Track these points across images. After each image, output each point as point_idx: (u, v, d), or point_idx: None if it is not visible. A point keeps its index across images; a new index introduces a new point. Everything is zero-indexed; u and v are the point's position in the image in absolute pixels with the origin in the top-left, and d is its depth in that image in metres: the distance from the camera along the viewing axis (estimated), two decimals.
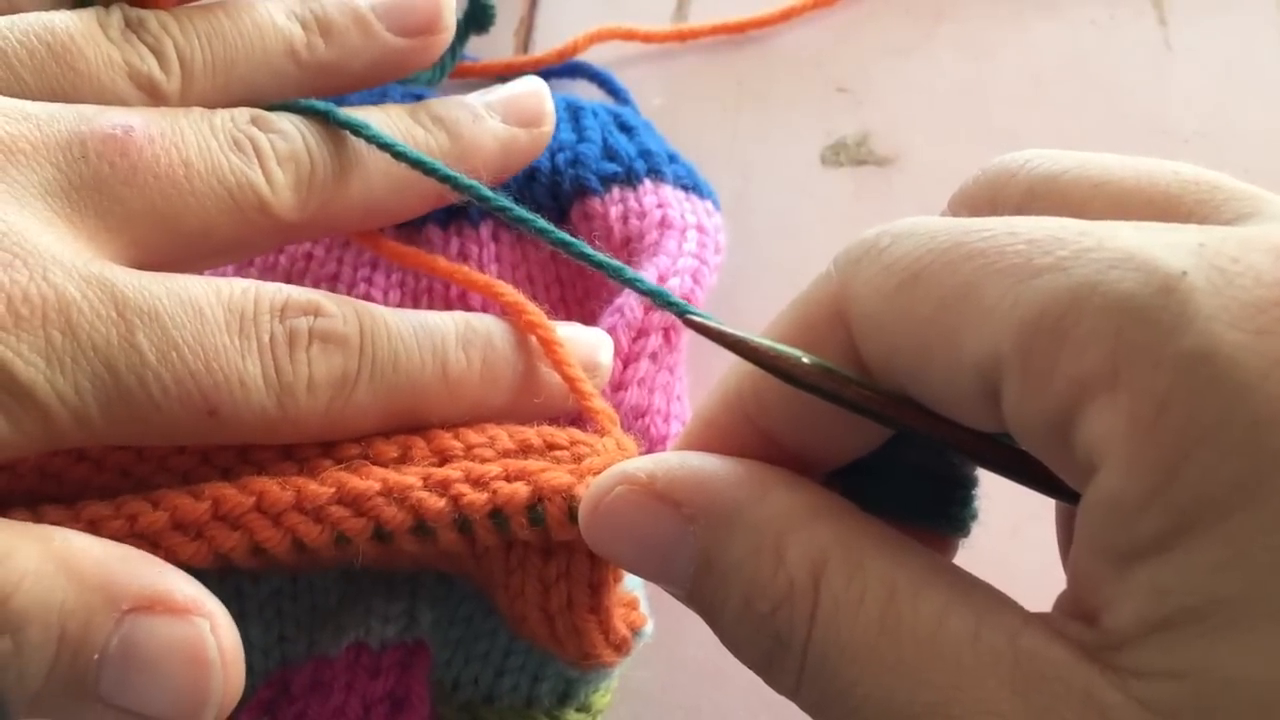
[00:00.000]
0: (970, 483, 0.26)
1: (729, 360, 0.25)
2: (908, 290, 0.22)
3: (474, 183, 0.32)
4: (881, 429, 0.24)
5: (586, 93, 0.49)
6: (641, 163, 0.42)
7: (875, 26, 0.52)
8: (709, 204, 0.42)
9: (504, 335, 0.32)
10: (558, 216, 0.41)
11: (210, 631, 0.25)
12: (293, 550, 0.27)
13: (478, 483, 0.28)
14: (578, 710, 0.33)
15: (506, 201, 0.31)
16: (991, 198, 0.25)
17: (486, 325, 0.32)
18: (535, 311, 0.32)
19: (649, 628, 0.32)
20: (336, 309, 0.29)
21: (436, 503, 0.27)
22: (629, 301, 0.38)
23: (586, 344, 0.33)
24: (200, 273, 0.31)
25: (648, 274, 0.38)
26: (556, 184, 0.42)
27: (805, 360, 0.23)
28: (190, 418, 0.27)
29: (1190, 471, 0.18)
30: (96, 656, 0.24)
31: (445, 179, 0.32)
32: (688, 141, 0.46)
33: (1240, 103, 0.49)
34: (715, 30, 0.51)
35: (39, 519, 0.27)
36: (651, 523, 0.24)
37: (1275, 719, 0.18)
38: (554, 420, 0.32)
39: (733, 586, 0.23)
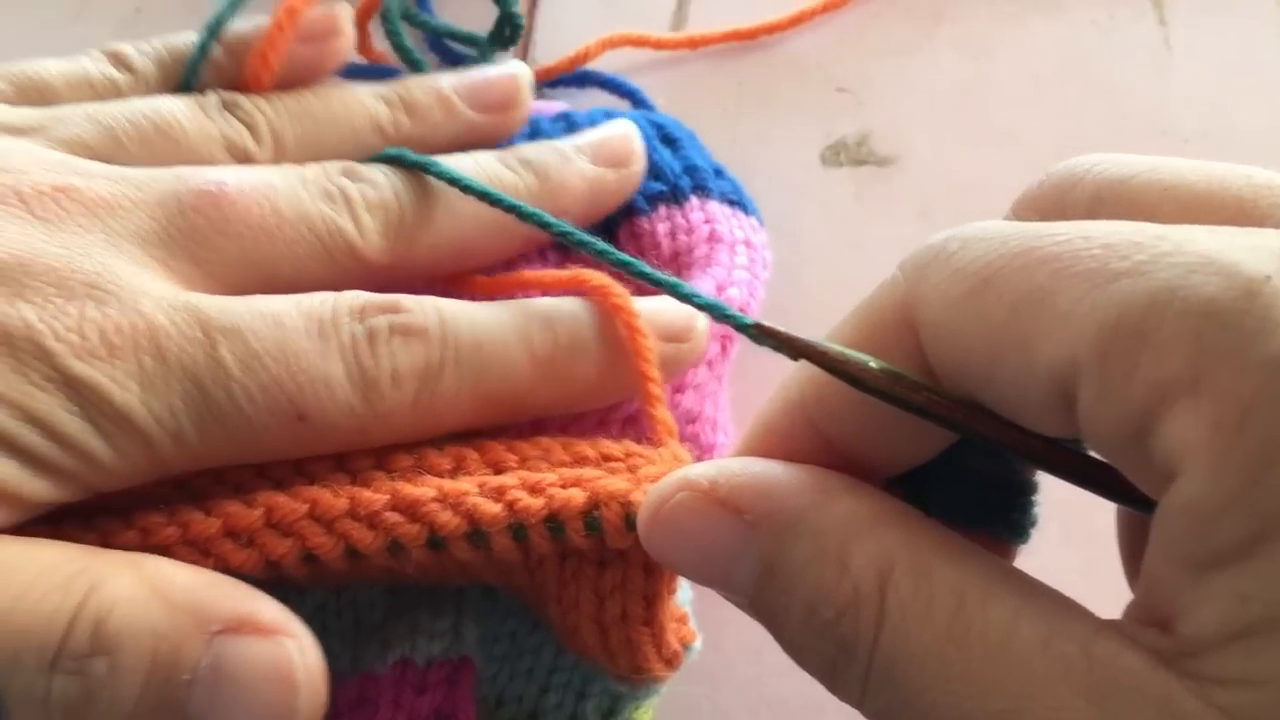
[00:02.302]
0: (1030, 489, 0.25)
1: (765, 371, 0.24)
2: (979, 295, 0.21)
3: (562, 222, 0.33)
4: (944, 435, 0.24)
5: (598, 99, 0.49)
6: (687, 179, 0.42)
7: (875, 27, 0.52)
8: (754, 220, 0.42)
9: (588, 313, 0.32)
10: (606, 236, 0.41)
11: (297, 651, 0.26)
12: (345, 558, 0.27)
13: (534, 489, 0.27)
14: None
15: (599, 243, 0.32)
16: (1058, 201, 0.25)
17: (570, 305, 0.32)
18: (622, 293, 0.32)
19: (698, 644, 0.32)
20: (414, 304, 0.30)
21: (492, 508, 0.27)
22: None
23: (679, 313, 0.33)
24: None
25: (703, 286, 0.37)
26: None
27: (874, 365, 0.23)
28: (280, 425, 0.28)
29: (1274, 477, 0.18)
30: (187, 678, 0.25)
31: (531, 219, 0.33)
32: None
33: (1240, 103, 0.49)
34: (726, 37, 0.51)
35: (91, 528, 0.27)
36: (713, 529, 0.24)
37: None
38: (611, 429, 0.32)
39: (796, 594, 0.22)
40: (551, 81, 0.49)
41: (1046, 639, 0.20)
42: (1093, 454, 0.22)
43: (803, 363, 0.24)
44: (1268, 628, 0.18)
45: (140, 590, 0.25)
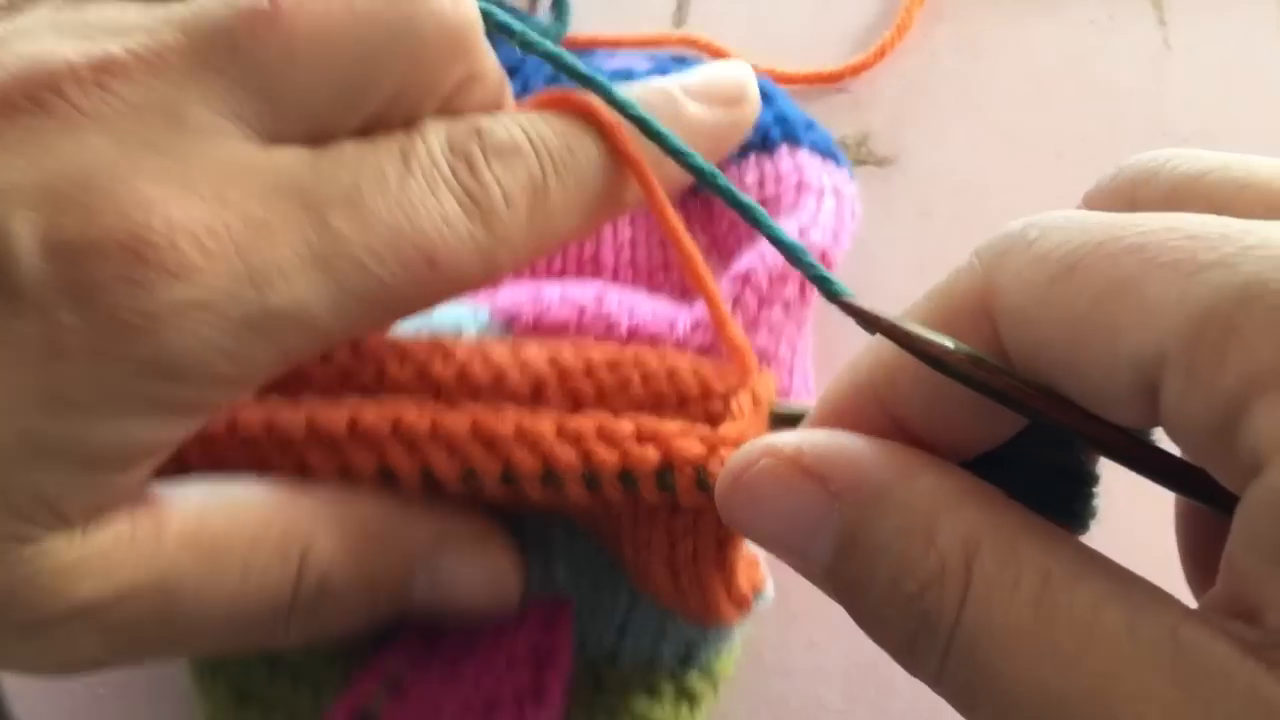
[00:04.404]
0: (1092, 479, 0.25)
1: (850, 332, 0.24)
2: (1062, 283, 0.21)
3: (701, 160, 0.31)
4: (1014, 422, 0.24)
5: None
6: (778, 129, 0.42)
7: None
8: (845, 172, 0.42)
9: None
10: (694, 186, 0.41)
11: (500, 558, 0.29)
12: (420, 480, 0.28)
13: (610, 440, 0.28)
14: (701, 673, 0.33)
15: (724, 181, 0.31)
16: (1132, 196, 0.25)
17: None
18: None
19: (770, 590, 0.32)
20: (494, 123, 0.29)
21: (568, 455, 0.28)
22: (769, 247, 0.37)
23: (726, 76, 0.33)
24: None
25: (786, 228, 0.37)
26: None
27: (953, 347, 0.22)
28: (415, 276, 0.27)
29: None
30: (407, 599, 0.29)
31: (677, 154, 0.31)
32: None
33: (1240, 103, 0.49)
34: (809, 79, 0.51)
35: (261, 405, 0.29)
36: (795, 497, 0.24)
37: None
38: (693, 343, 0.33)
39: (879, 566, 0.22)
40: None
41: (1133, 622, 0.20)
42: (1169, 448, 0.22)
43: (872, 342, 0.24)
44: None
45: (346, 540, 0.27)
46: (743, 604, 0.31)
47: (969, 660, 0.21)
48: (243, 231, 0.25)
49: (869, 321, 0.24)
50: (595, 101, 0.30)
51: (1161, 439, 0.23)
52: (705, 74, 0.34)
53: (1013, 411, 0.23)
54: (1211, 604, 0.21)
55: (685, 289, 0.41)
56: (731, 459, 0.25)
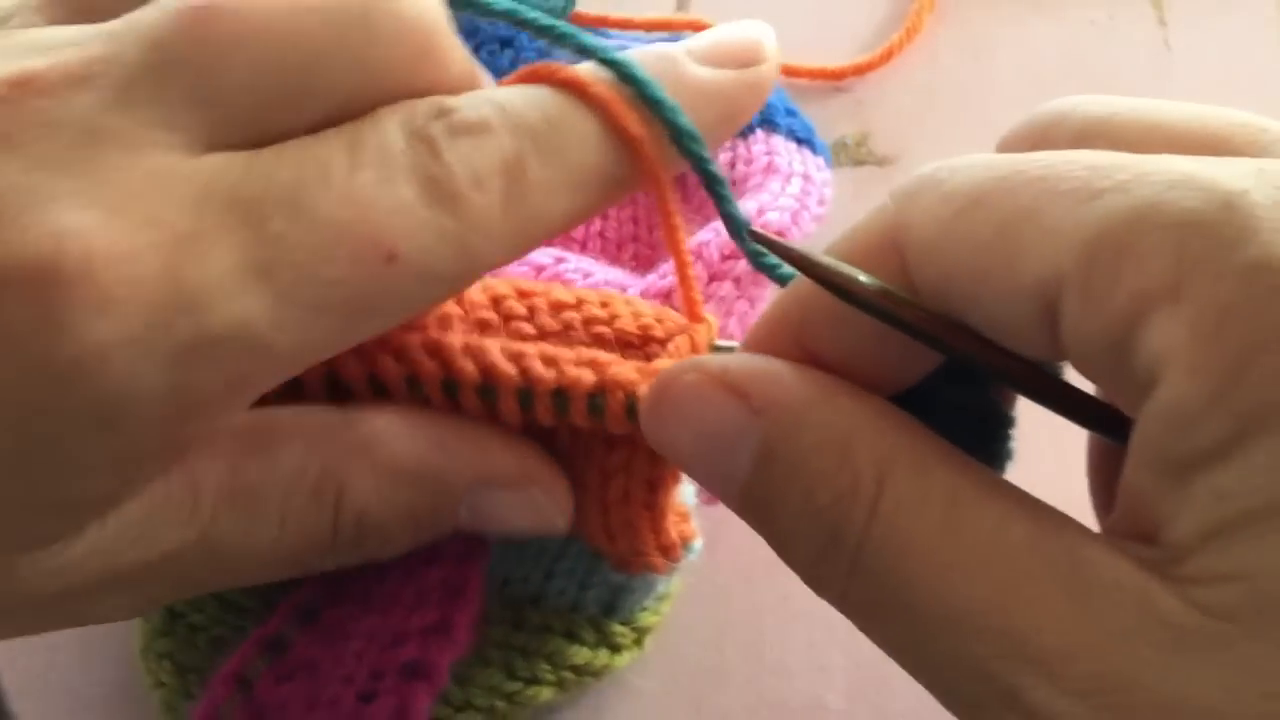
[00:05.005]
0: (1008, 422, 0.26)
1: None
2: (967, 215, 0.22)
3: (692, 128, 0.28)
4: (927, 360, 0.24)
5: None
6: (756, 114, 0.42)
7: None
8: (820, 159, 0.43)
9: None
10: None
11: (542, 494, 0.29)
12: (368, 386, 0.28)
13: (548, 361, 0.28)
14: (622, 624, 0.34)
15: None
16: (1043, 138, 0.25)
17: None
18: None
19: (698, 544, 0.33)
20: (459, 100, 0.25)
21: (507, 368, 0.28)
22: (722, 223, 0.38)
23: (741, 36, 0.29)
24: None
25: (746, 207, 0.37)
26: None
27: (864, 279, 0.23)
28: (373, 274, 0.23)
29: (1252, 376, 0.18)
30: (451, 525, 0.29)
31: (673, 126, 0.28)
32: None
33: (1240, 103, 0.49)
34: (814, 74, 0.51)
35: None
36: (717, 412, 0.24)
37: None
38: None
39: (794, 481, 0.23)
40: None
41: (1035, 540, 0.21)
42: (1072, 382, 0.23)
43: (793, 282, 0.25)
44: (1244, 522, 0.19)
45: (382, 479, 0.27)
46: (670, 552, 0.31)
47: (875, 574, 0.22)
48: (171, 251, 0.22)
49: (780, 251, 0.24)
50: (584, 73, 0.27)
51: (1077, 378, 0.23)
52: (714, 34, 0.30)
53: (923, 345, 0.23)
54: (1111, 528, 0.21)
55: (648, 263, 0.41)
56: (659, 375, 0.25)
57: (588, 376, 0.28)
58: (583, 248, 0.42)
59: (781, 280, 0.27)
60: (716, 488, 0.25)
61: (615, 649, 0.34)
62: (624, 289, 0.36)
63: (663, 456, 0.28)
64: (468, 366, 0.28)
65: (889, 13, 0.53)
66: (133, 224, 0.22)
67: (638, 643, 0.34)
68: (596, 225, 0.42)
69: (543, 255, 0.37)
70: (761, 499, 0.24)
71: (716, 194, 0.28)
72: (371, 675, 0.29)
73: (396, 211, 0.23)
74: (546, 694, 0.33)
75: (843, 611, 0.23)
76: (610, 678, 0.35)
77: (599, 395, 0.28)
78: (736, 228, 0.28)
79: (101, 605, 0.26)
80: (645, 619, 0.34)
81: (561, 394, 0.28)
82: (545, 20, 0.30)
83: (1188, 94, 0.49)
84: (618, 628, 0.34)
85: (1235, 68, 0.50)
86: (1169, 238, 0.19)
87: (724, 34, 0.30)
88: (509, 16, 0.30)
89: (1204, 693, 0.19)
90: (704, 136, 0.28)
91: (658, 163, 0.27)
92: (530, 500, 0.29)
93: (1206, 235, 0.19)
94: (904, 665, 0.22)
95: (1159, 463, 0.20)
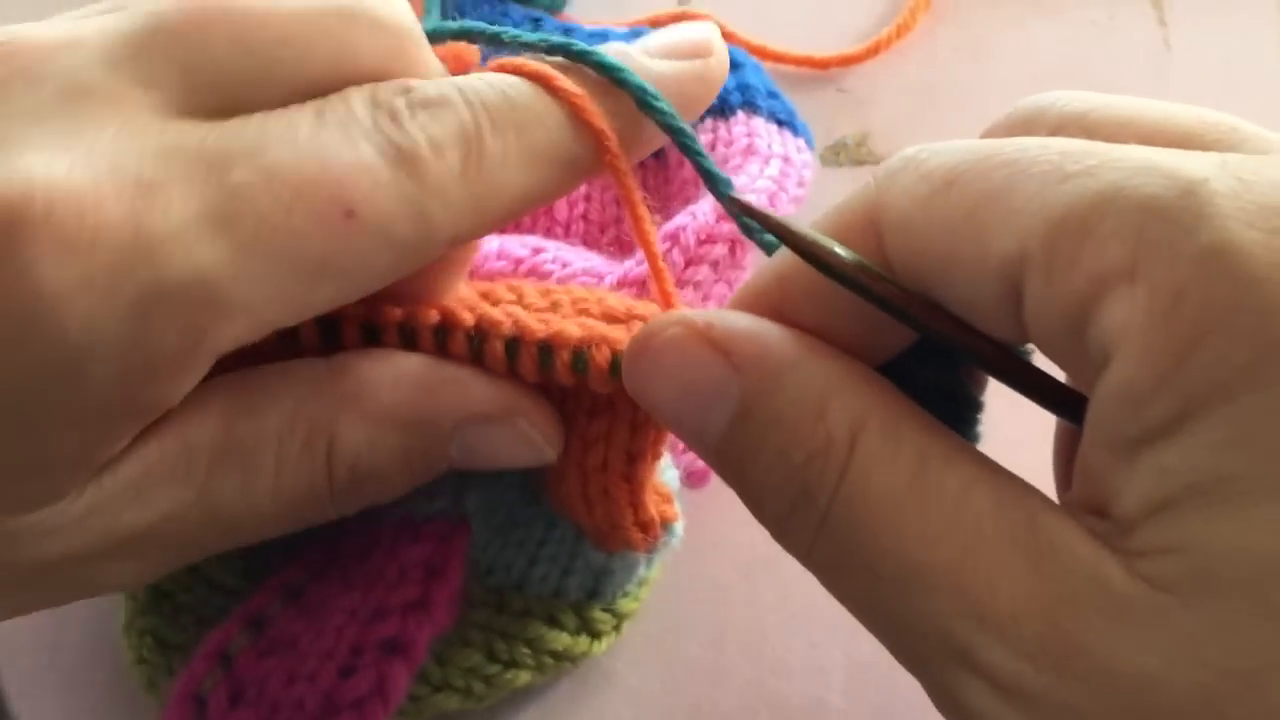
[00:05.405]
0: (976, 406, 0.26)
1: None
2: (941, 195, 0.23)
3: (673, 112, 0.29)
4: (899, 339, 0.25)
5: None
6: (738, 95, 0.42)
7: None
8: (801, 141, 0.43)
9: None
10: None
11: (528, 426, 0.29)
12: (361, 336, 0.28)
13: (540, 320, 0.29)
14: (603, 610, 0.34)
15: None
16: (1024, 131, 0.26)
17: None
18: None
19: (680, 527, 0.33)
20: (423, 82, 0.27)
21: (496, 316, 0.28)
22: (702, 208, 0.38)
23: (689, 31, 0.31)
24: None
25: None
26: None
27: (840, 252, 0.24)
28: (331, 230, 0.24)
29: (1200, 357, 0.19)
30: (443, 464, 0.29)
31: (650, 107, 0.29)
32: None
33: (1240, 103, 0.49)
34: (799, 61, 0.51)
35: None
36: (698, 367, 0.25)
37: (1271, 585, 0.19)
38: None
39: (769, 437, 0.24)
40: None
41: (997, 506, 0.21)
42: (1041, 367, 0.24)
43: (774, 255, 0.26)
44: (1186, 497, 0.19)
45: (371, 426, 0.27)
46: (648, 528, 0.32)
47: (841, 531, 0.23)
48: (133, 198, 0.22)
49: (760, 219, 0.25)
50: (547, 67, 0.28)
51: (1045, 364, 0.24)
52: (665, 33, 0.32)
53: (894, 320, 0.24)
54: (1068, 502, 0.22)
55: (628, 246, 0.41)
56: (643, 327, 0.26)
57: (574, 330, 0.28)
58: (566, 230, 0.43)
59: (767, 248, 0.27)
60: (693, 441, 0.26)
61: (595, 635, 0.34)
62: (601, 277, 0.36)
63: (643, 428, 0.29)
64: (463, 313, 0.29)
65: (887, 10, 0.53)
66: (98, 173, 0.22)
67: (616, 629, 0.35)
68: (580, 208, 0.43)
69: (520, 247, 0.37)
70: (736, 455, 0.24)
71: (690, 150, 0.28)
72: (352, 651, 0.29)
73: (357, 169, 0.24)
74: (525, 678, 0.34)
75: (807, 566, 0.24)
76: (611, 677, 0.35)
77: (584, 350, 0.28)
78: (716, 185, 0.28)
79: (109, 571, 0.26)
80: (625, 605, 0.35)
81: (547, 347, 0.28)
82: (512, 31, 0.30)
83: (1187, 94, 0.49)
84: (599, 614, 0.34)
85: (1235, 68, 0.50)
86: (1129, 221, 0.20)
87: (674, 33, 0.32)
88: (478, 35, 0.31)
89: (1143, 661, 0.19)
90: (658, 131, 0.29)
91: (619, 150, 0.28)
92: (518, 432, 0.29)
93: (1165, 219, 0.20)
94: (863, 620, 0.23)
95: (1110, 440, 0.21)
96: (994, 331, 0.23)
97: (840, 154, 0.49)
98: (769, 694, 0.35)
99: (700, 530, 0.34)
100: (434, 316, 0.28)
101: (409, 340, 0.29)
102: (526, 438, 0.29)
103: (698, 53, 0.31)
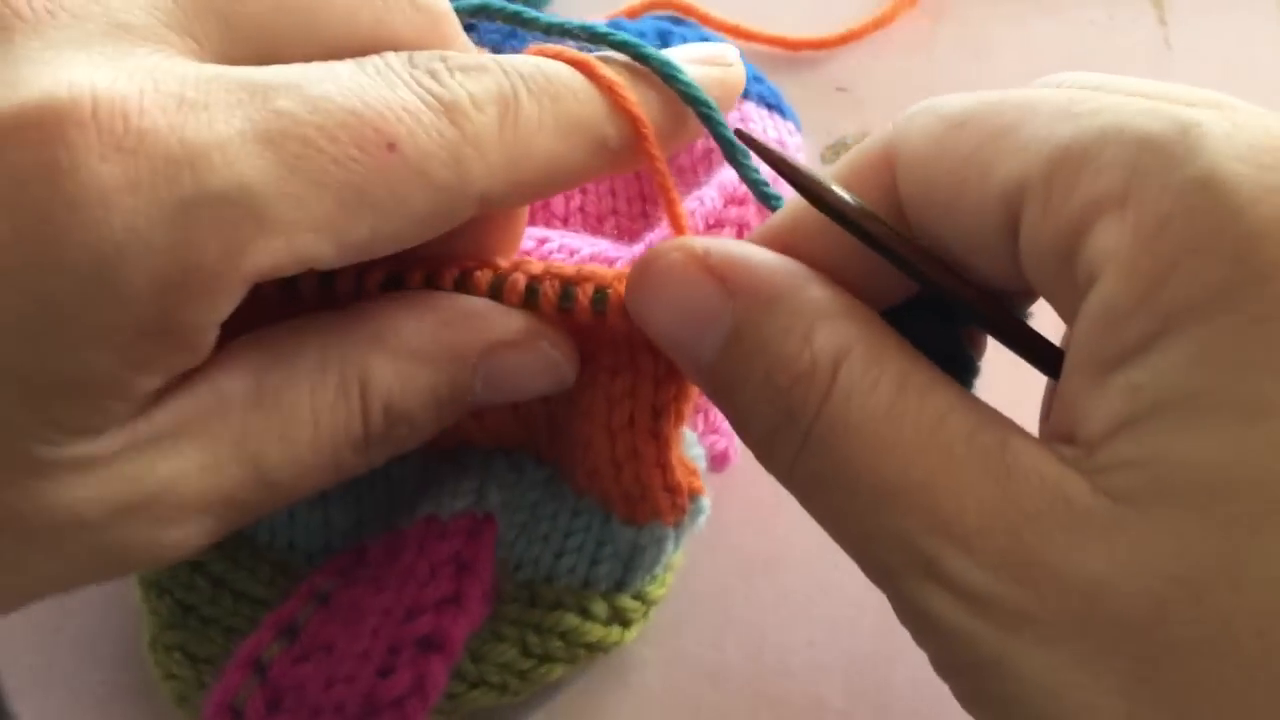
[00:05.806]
0: (973, 369, 0.27)
1: None
2: (954, 131, 0.24)
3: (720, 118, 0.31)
4: (898, 291, 0.26)
5: None
6: None
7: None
8: (791, 125, 0.44)
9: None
10: None
11: (550, 347, 0.30)
12: (383, 282, 0.29)
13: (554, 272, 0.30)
14: (633, 597, 0.35)
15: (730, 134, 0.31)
16: None
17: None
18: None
19: (706, 503, 0.33)
20: (457, 53, 0.27)
21: (524, 260, 0.29)
22: (709, 193, 0.39)
23: (708, 45, 0.33)
24: None
25: (723, 175, 0.38)
26: None
27: (848, 198, 0.25)
28: (376, 161, 0.24)
29: (1178, 278, 0.20)
30: (470, 398, 0.29)
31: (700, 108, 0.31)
32: None
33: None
34: (772, 41, 0.51)
35: None
36: (695, 291, 0.26)
37: (1224, 498, 0.20)
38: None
39: (757, 361, 0.25)
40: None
41: (972, 431, 0.23)
42: (1031, 326, 0.25)
43: (785, 203, 0.28)
44: (1152, 413, 0.20)
45: (400, 364, 0.28)
46: (676, 494, 0.32)
47: (821, 452, 0.24)
48: (177, 111, 0.22)
49: (766, 156, 0.26)
50: (588, 56, 0.29)
51: (1042, 327, 0.25)
52: (689, 46, 0.34)
53: (894, 266, 0.25)
54: (1042, 434, 0.23)
55: (629, 235, 0.42)
56: (646, 252, 0.27)
57: (601, 271, 0.29)
58: (564, 223, 0.43)
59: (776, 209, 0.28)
60: (687, 362, 0.27)
61: (626, 624, 0.34)
62: (612, 261, 0.36)
63: (667, 382, 0.30)
64: (481, 272, 0.29)
65: (882, 4, 0.53)
66: (143, 86, 0.22)
67: (645, 615, 0.35)
68: (576, 200, 0.43)
69: (526, 239, 0.37)
70: (726, 377, 0.26)
71: (711, 120, 0.30)
72: (388, 650, 0.29)
73: (400, 107, 0.25)
74: (559, 671, 0.33)
75: (787, 485, 0.25)
76: (611, 677, 0.35)
77: (605, 288, 0.28)
78: (725, 139, 0.30)
79: (142, 534, 0.25)
80: (653, 591, 0.35)
81: (568, 285, 0.29)
82: (531, 12, 0.32)
83: None
84: (629, 602, 0.34)
85: (1236, 67, 0.50)
86: (1125, 153, 0.21)
87: (697, 46, 0.34)
88: (515, 19, 0.31)
89: (1096, 568, 0.21)
90: (691, 124, 0.31)
91: (655, 138, 0.29)
92: (540, 355, 0.30)
93: (1159, 152, 0.21)
94: (834, 535, 0.24)
95: (1087, 364, 0.22)
96: (990, 268, 0.24)
97: (840, 154, 0.48)
98: (769, 694, 0.35)
99: (701, 531, 0.34)
100: (454, 271, 0.29)
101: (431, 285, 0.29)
102: (549, 360, 0.30)
103: (718, 63, 0.33)
